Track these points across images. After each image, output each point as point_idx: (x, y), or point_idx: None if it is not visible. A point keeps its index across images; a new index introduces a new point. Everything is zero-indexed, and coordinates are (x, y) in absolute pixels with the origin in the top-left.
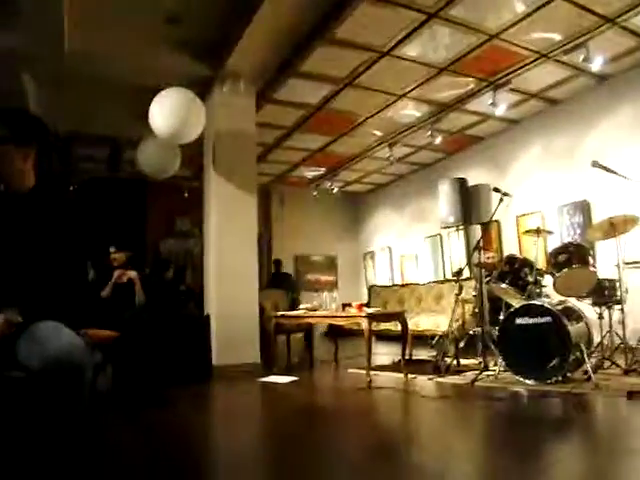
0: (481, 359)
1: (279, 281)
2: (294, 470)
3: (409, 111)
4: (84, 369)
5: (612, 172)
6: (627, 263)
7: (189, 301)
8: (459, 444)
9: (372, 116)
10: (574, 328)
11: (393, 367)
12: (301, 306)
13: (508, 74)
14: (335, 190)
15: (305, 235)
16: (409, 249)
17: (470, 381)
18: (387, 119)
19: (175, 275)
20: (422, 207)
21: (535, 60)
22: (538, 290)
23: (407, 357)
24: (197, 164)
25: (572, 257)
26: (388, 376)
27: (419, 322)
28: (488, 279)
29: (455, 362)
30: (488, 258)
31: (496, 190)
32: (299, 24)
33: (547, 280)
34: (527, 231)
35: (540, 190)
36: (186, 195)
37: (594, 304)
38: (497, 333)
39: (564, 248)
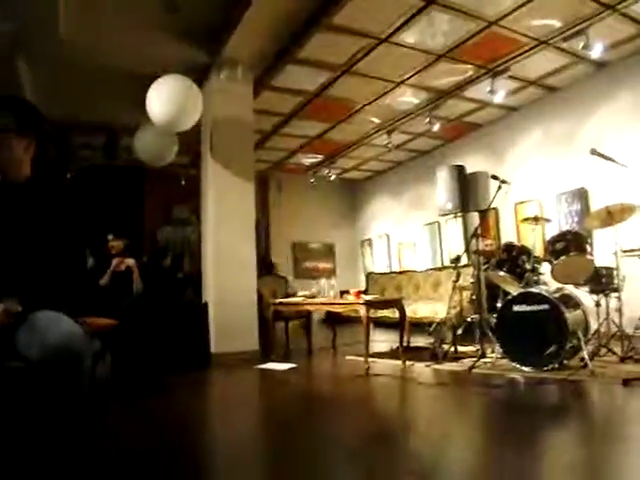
0: (478, 346)
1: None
2: (292, 456)
3: (407, 98)
4: (83, 357)
5: (610, 160)
6: (624, 251)
7: (187, 289)
8: (456, 431)
9: (370, 103)
10: (571, 315)
11: (391, 354)
12: (299, 293)
13: (507, 61)
14: (333, 177)
15: (303, 222)
16: (407, 236)
17: (467, 368)
18: (385, 106)
19: (173, 263)
20: (420, 194)
21: (534, 47)
22: (536, 278)
23: (405, 344)
24: (194, 151)
25: (570, 245)
26: (386, 363)
27: (417, 309)
28: (486, 266)
29: (452, 349)
30: (486, 245)
31: (494, 177)
32: (297, 10)
33: (545, 268)
34: (525, 219)
35: (538, 178)
36: (183, 183)
37: (591, 292)
38: (494, 320)
39: (562, 236)
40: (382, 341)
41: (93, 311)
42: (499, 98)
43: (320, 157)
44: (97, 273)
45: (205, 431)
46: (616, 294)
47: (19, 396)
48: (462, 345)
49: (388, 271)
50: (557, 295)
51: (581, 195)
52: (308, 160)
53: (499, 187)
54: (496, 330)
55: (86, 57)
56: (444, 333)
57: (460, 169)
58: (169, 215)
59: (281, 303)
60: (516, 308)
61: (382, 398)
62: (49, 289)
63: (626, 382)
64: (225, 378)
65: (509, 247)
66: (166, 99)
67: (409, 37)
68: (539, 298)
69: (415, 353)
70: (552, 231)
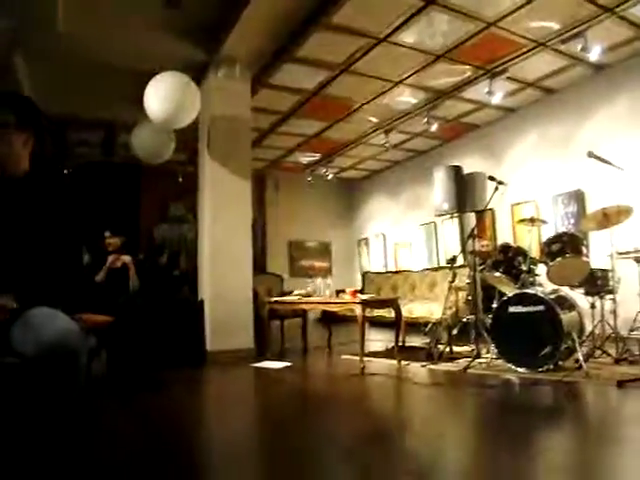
0: (474, 347)
1: None
2: (288, 455)
3: (405, 98)
4: (79, 354)
5: (607, 162)
6: (620, 253)
7: (183, 286)
8: (451, 431)
9: (368, 102)
10: (566, 317)
11: (386, 354)
12: (295, 292)
13: (505, 62)
14: (330, 176)
15: (299, 221)
16: (403, 236)
17: (463, 368)
18: (383, 105)
19: (169, 260)
20: (417, 194)
21: (532, 49)
22: (531, 279)
23: (400, 344)
24: (192, 149)
25: (566, 247)
26: (381, 362)
27: (412, 309)
28: (482, 267)
29: (448, 349)
30: (482, 246)
31: (491, 178)
32: (295, 9)
33: (540, 269)
34: (521, 220)
35: (535, 179)
36: (180, 180)
37: (586, 293)
38: (490, 321)
39: (558, 237)
40: (378, 340)
41: (89, 308)
42: (497, 99)
43: (318, 156)
44: (93, 270)
45: (201, 429)
46: (611, 296)
47: (14, 393)
48: (457, 345)
49: (384, 271)
50: (552, 296)
51: (577, 197)
52: (305, 159)
53: (496, 188)
54: (491, 331)
55: (84, 53)
56: (440, 333)
57: (457, 170)
58: (166, 212)
59: (277, 302)
60: (511, 309)
61: (377, 398)
62: (45, 285)
63: (620, 384)
64: (220, 376)
65: (505, 248)
66: (164, 96)
67: (408, 37)
68: (534, 299)
69: (411, 353)
70: (548, 232)
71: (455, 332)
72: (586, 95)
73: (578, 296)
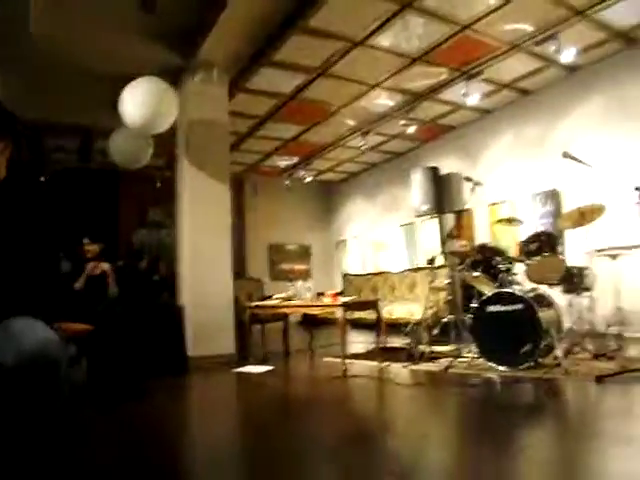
0: (455, 346)
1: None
2: (272, 460)
3: (382, 100)
4: (60, 364)
5: (580, 162)
6: (596, 251)
7: (163, 292)
8: (434, 430)
9: (345, 105)
10: (545, 315)
11: (368, 355)
12: (276, 296)
13: (480, 64)
14: (308, 179)
15: (279, 224)
16: (383, 237)
17: (444, 368)
18: (360, 108)
19: (149, 266)
20: (395, 195)
21: (507, 51)
22: (510, 278)
23: (381, 345)
24: (169, 154)
25: (543, 245)
26: (363, 364)
27: (393, 310)
28: (461, 267)
29: (429, 350)
30: (461, 246)
31: (468, 179)
32: (272, 13)
33: (519, 268)
34: (499, 220)
35: (512, 179)
36: (158, 185)
37: (564, 291)
38: (470, 320)
39: (535, 237)
40: (359, 342)
41: (68, 316)
42: (473, 101)
43: (295, 159)
44: (72, 277)
45: (183, 436)
46: (588, 293)
47: None
48: (438, 345)
49: (364, 272)
50: (531, 295)
51: (553, 196)
52: (283, 162)
53: (473, 189)
54: (472, 330)
55: (58, 57)
56: (420, 334)
57: (434, 171)
58: (144, 218)
59: (258, 306)
60: (491, 308)
61: (360, 399)
62: (23, 294)
63: (599, 379)
64: (203, 382)
65: (483, 248)
66: (141, 101)
67: (384, 40)
68: (513, 298)
69: (392, 354)
70: (526, 231)
71: (436, 332)
72: (560, 96)
73: (556, 294)
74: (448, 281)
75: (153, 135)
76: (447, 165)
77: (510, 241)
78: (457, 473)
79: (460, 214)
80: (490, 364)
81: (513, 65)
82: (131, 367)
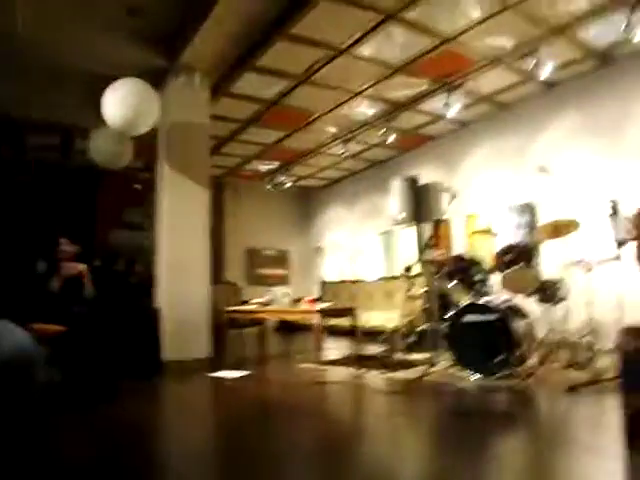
0: (430, 354)
1: None
2: (246, 467)
3: (364, 109)
4: (35, 366)
5: (552, 175)
6: (569, 263)
7: (140, 294)
8: (407, 437)
9: (327, 113)
10: (519, 325)
11: (344, 362)
12: (253, 301)
13: (461, 77)
14: (288, 185)
15: (257, 229)
16: (361, 245)
17: (419, 376)
18: (342, 116)
19: (126, 267)
20: (374, 203)
21: (487, 65)
22: (485, 288)
23: (358, 352)
24: (149, 155)
25: (518, 257)
26: (339, 371)
27: (369, 318)
28: (437, 276)
29: (405, 357)
30: (438, 255)
31: (446, 190)
32: (257, 19)
33: (494, 278)
34: (475, 232)
35: (489, 190)
36: (138, 186)
37: (539, 301)
38: (445, 329)
39: (511, 248)
40: (335, 349)
41: (42, 317)
42: (453, 112)
43: (276, 164)
44: (48, 278)
45: (155, 441)
46: (562, 304)
47: None
48: (414, 353)
49: (342, 279)
50: (505, 305)
51: (529, 208)
52: (264, 167)
53: (451, 200)
54: (447, 339)
55: (43, 56)
56: (396, 341)
57: (413, 180)
58: (122, 219)
59: (235, 311)
60: (466, 318)
61: (335, 405)
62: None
63: (571, 389)
64: (177, 386)
65: (459, 258)
66: (122, 103)
67: (367, 50)
68: (488, 308)
69: (368, 361)
70: (502, 242)
71: (411, 340)
72: (537, 110)
73: (531, 304)
74: (424, 290)
75: (134, 136)
76: (426, 174)
77: (486, 251)
78: (429, 479)
79: (438, 223)
80: (464, 373)
81: (492, 79)
82: (105, 369)
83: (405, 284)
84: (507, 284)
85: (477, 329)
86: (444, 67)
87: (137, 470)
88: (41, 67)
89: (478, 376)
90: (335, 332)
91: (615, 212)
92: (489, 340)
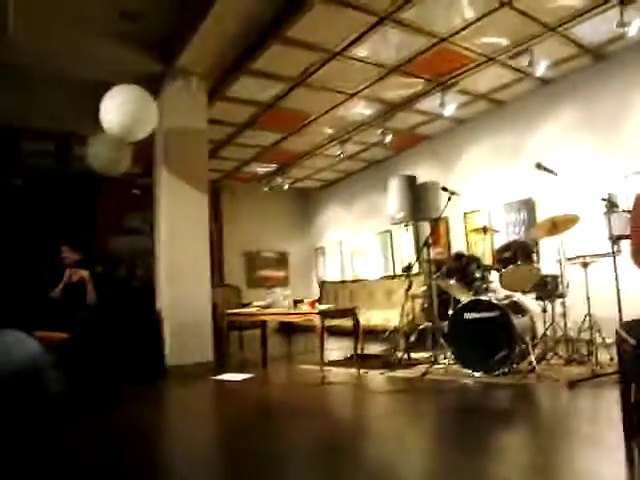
0: (431, 353)
1: None
2: (251, 470)
3: (360, 110)
4: (46, 375)
5: (552, 173)
6: (568, 259)
7: (142, 299)
8: (411, 435)
9: (323, 114)
10: (519, 322)
11: (345, 362)
12: (254, 303)
13: (456, 76)
14: (286, 187)
15: (256, 231)
16: (359, 245)
17: (420, 374)
18: (338, 117)
19: (127, 273)
20: (372, 203)
21: (482, 63)
22: (485, 286)
23: (359, 352)
24: (148, 160)
25: (517, 254)
26: (341, 371)
27: (370, 317)
28: (437, 275)
29: (406, 356)
30: (437, 254)
31: (444, 189)
32: (252, 23)
33: (494, 276)
34: (474, 229)
35: (487, 188)
36: (137, 191)
37: (538, 298)
38: (446, 327)
39: (509, 245)
40: (336, 349)
41: (46, 324)
42: (449, 111)
43: (274, 167)
44: (50, 284)
45: (160, 446)
46: (561, 300)
47: None
48: (415, 352)
49: (341, 280)
50: (505, 302)
51: (527, 205)
52: (262, 169)
53: (449, 198)
54: (448, 337)
55: (38, 62)
56: (397, 341)
57: (411, 179)
58: (122, 224)
59: (236, 314)
60: (466, 315)
61: (338, 406)
62: (3, 304)
63: (571, 384)
64: (181, 390)
65: (459, 256)
66: (120, 109)
67: (362, 51)
68: (488, 305)
69: (369, 361)
70: (500, 240)
71: (412, 339)
72: (533, 107)
73: (530, 301)
74: (424, 288)
75: (132, 142)
76: (424, 173)
77: (485, 249)
78: (433, 476)
79: (436, 222)
80: (466, 370)
81: (488, 77)
82: (109, 375)
83: (405, 283)
84: (506, 281)
85: (478, 326)
86: (439, 66)
87: (142, 474)
88: (38, 75)
89: (479, 373)
90: (336, 332)
91: (611, 207)
92: (490, 337)
